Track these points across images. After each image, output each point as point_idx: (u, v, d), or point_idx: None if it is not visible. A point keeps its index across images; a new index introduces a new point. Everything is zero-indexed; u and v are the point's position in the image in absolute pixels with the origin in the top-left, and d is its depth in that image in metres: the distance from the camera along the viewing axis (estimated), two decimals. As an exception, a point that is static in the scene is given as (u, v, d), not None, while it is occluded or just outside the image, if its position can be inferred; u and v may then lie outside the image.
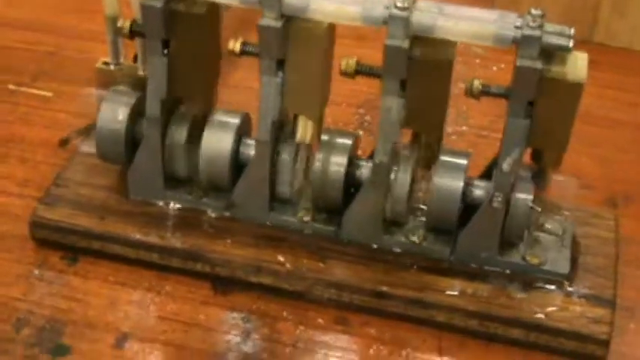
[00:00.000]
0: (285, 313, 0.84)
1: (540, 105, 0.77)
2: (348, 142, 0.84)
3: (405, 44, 0.75)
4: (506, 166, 0.79)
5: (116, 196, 0.89)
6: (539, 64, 0.74)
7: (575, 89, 0.75)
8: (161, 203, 0.88)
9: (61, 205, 0.87)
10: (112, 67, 0.95)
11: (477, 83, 0.77)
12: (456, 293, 0.82)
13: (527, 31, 0.74)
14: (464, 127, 1.03)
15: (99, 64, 0.95)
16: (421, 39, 0.76)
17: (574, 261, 0.85)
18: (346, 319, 0.83)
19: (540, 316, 0.81)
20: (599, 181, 0.98)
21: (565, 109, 0.76)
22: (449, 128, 1.03)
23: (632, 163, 1.00)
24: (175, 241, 0.85)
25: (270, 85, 0.80)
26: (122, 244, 0.85)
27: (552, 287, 0.83)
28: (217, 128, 0.85)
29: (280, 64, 0.80)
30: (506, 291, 0.82)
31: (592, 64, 1.11)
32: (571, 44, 0.74)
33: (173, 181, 0.88)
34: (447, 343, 0.82)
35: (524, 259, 0.84)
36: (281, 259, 0.84)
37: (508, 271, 0.84)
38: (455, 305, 0.81)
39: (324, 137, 0.84)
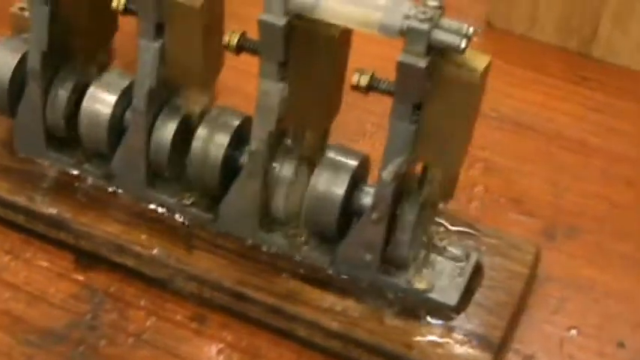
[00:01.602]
0: (142, 302, 0.76)
1: (427, 110, 0.67)
2: (235, 121, 0.76)
3: (281, 22, 0.67)
4: (386, 175, 0.69)
5: (2, 150, 0.83)
6: (423, 63, 0.64)
7: (465, 95, 0.65)
8: (45, 163, 0.82)
9: (-62, 153, 0.82)
10: (26, 13, 0.89)
11: (364, 76, 0.68)
12: (322, 308, 0.73)
13: (414, 23, 0.64)
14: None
15: (14, 9, 0.89)
16: (303, 19, 0.67)
17: (469, 293, 0.75)
18: (205, 317, 0.76)
19: (409, 349, 0.71)
20: (545, 209, 0.87)
21: (454, 120, 0.67)
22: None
23: (591, 197, 0.89)
24: (42, 206, 0.79)
25: (148, 50, 0.73)
26: (-11, 200, 0.80)
27: (434, 319, 0.73)
28: (102, 89, 0.78)
29: (160, 28, 0.72)
30: (379, 314, 0.73)
31: (583, 81, 1.02)
32: (463, 44, 0.64)
33: (58, 142, 0.81)
34: (306, 362, 0.74)
35: (409, 282, 0.74)
36: (146, 241, 0.77)
37: (390, 294, 0.74)
38: (317, 321, 0.73)
39: (212, 113, 0.76)
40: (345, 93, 0.85)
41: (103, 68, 0.79)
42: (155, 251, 0.76)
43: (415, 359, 0.71)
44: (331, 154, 0.74)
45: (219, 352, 0.74)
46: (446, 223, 0.79)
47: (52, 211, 0.78)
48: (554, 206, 0.88)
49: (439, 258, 0.76)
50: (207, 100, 0.76)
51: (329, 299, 0.74)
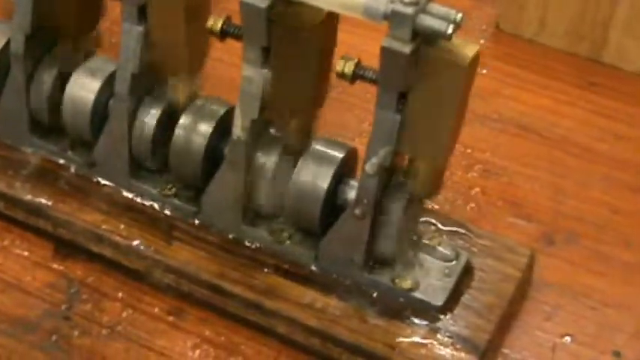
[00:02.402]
0: (119, 293, 0.74)
1: (412, 100, 0.65)
2: (221, 110, 0.74)
3: (263, 4, 0.65)
4: (369, 167, 0.67)
5: (-15, 136, 0.81)
6: (407, 48, 0.62)
7: (451, 81, 0.63)
8: (28, 150, 0.80)
9: None
10: (16, -2, 0.88)
11: (350, 63, 0.66)
12: (302, 305, 0.71)
13: (398, 7, 0.62)
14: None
15: (5, -6, 0.88)
16: (285, 1, 0.65)
17: (457, 294, 0.72)
18: (183, 311, 0.73)
19: (390, 349, 0.69)
20: (545, 214, 0.84)
21: (440, 110, 0.64)
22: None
23: (593, 203, 0.86)
24: (23, 192, 0.77)
25: (131, 33, 0.71)
26: (-31, 186, 0.78)
27: (418, 319, 0.70)
28: (86, 74, 0.76)
29: (142, 10, 0.70)
30: (362, 313, 0.71)
31: (592, 86, 0.99)
32: (450, 30, 0.61)
33: (42, 129, 0.79)
34: (286, 360, 0.71)
35: (394, 280, 0.71)
36: (125, 232, 0.74)
37: (374, 292, 0.72)
38: (296, 318, 0.70)
39: (197, 102, 0.74)
40: (348, 94, 0.83)
41: (89, 54, 0.77)
42: (134, 242, 0.74)
43: (396, 360, 0.68)
44: (317, 146, 0.71)
45: (195, 346, 0.71)
46: (437, 223, 0.77)
47: (32, 198, 0.76)
48: (554, 211, 0.85)
49: (427, 257, 0.73)
50: (193, 89, 0.74)
51: (310, 296, 0.71)
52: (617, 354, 0.74)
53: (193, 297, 0.73)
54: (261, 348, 0.71)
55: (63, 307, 0.73)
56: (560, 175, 0.88)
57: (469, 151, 0.89)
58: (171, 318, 0.73)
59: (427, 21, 0.62)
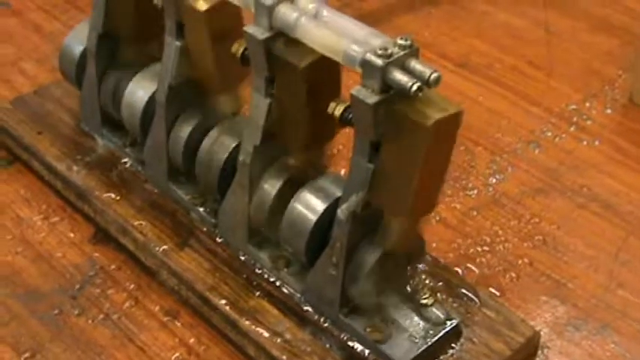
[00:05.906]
0: (131, 285, 0.79)
1: (384, 151, 0.64)
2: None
3: (262, 36, 0.67)
4: (340, 213, 0.67)
5: (72, 121, 0.89)
6: (372, 99, 0.62)
7: (415, 140, 0.61)
8: (100, 140, 0.86)
9: (20, 111, 0.89)
10: None
11: (339, 107, 0.66)
12: (274, 332, 0.72)
13: (370, 57, 0.61)
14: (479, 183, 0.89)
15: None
16: (287, 37, 0.67)
17: (430, 358, 0.70)
18: (179, 314, 0.77)
19: (338, 396, 0.68)
20: (585, 300, 0.79)
21: (405, 167, 0.63)
22: (456, 183, 0.89)
23: (648, 297, 0.80)
24: (77, 177, 0.83)
25: (170, 46, 0.75)
26: (38, 161, 0.86)
27: (379, 373, 0.70)
28: (146, 78, 0.81)
29: (180, 28, 0.74)
30: (326, 353, 0.70)
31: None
32: (415, 87, 0.60)
33: (112, 122, 0.86)
34: (251, 381, 0.73)
35: (365, 329, 0.71)
36: (146, 230, 0.79)
37: (345, 336, 0.71)
38: (262, 343, 0.71)
39: (236, 118, 0.77)
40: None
41: (154, 59, 0.82)
42: (151, 240, 0.78)
43: (340, 408, 0.68)
44: (320, 180, 0.72)
45: (174, 350, 0.74)
46: (451, 283, 0.75)
47: (83, 183, 0.83)
48: (597, 299, 0.80)
49: (414, 314, 0.72)
50: (232, 107, 0.77)
51: (284, 325, 0.72)
52: None
53: (189, 303, 0.76)
54: (234, 366, 0.74)
55: (76, 286, 0.78)
56: (624, 264, 0.83)
57: (536, 220, 0.86)
58: (166, 318, 0.76)
59: (396, 75, 0.61)
